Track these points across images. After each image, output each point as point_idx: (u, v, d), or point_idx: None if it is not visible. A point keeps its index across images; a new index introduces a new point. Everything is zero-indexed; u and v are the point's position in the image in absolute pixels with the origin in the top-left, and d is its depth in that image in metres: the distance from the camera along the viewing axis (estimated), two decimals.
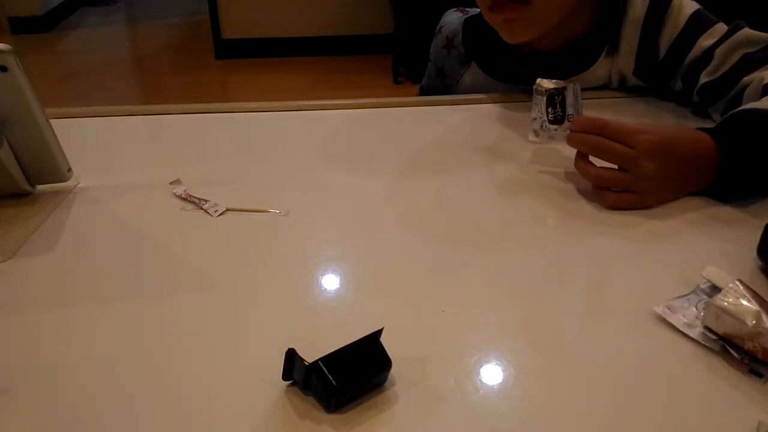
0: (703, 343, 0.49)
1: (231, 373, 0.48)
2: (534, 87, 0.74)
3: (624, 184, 0.66)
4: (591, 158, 0.69)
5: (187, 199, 0.70)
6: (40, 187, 0.73)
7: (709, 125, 0.69)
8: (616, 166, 0.67)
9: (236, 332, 0.52)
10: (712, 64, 0.82)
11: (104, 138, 0.89)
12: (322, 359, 0.43)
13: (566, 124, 0.72)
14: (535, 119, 0.75)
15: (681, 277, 0.55)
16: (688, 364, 0.47)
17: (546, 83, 0.73)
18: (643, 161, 0.65)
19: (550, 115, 0.73)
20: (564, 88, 0.72)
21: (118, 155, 0.84)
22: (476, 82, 0.98)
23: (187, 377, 0.48)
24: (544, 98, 0.73)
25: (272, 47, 3.74)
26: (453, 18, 1.01)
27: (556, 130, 0.73)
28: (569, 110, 0.72)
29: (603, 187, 0.67)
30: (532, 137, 0.76)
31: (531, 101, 0.75)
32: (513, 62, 0.92)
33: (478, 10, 0.96)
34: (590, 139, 0.67)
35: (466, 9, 1.01)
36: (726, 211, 0.66)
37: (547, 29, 0.84)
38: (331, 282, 0.58)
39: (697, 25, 0.83)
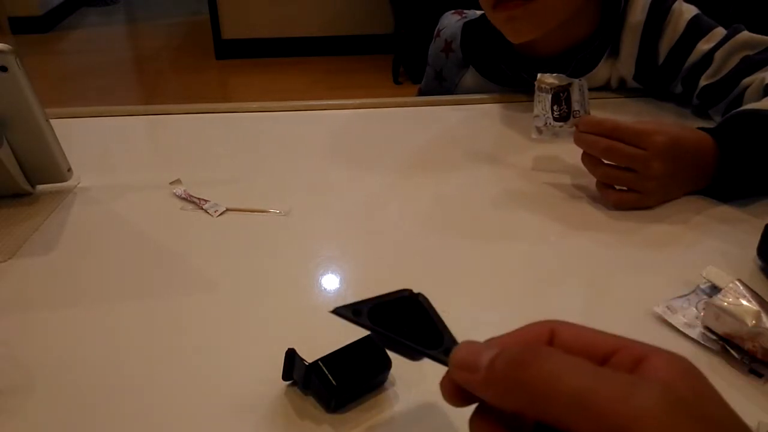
0: (703, 343, 0.49)
1: (231, 373, 0.48)
2: (536, 84, 0.72)
3: (630, 183, 0.66)
4: None
5: (187, 199, 0.70)
6: (40, 187, 0.73)
7: (710, 125, 0.69)
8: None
9: (236, 332, 0.52)
10: (712, 67, 0.82)
11: (104, 138, 0.89)
12: (322, 359, 0.44)
13: (571, 120, 0.70)
14: (537, 116, 0.72)
15: (681, 277, 0.55)
16: None
17: (549, 79, 0.71)
18: (652, 162, 0.64)
19: (555, 113, 0.71)
20: (569, 84, 0.71)
21: (118, 155, 0.84)
22: (475, 86, 0.98)
23: (186, 377, 0.47)
24: (550, 96, 0.71)
25: (272, 47, 3.74)
26: (451, 21, 1.01)
27: (561, 127, 0.71)
28: (575, 106, 0.71)
29: (606, 185, 0.67)
30: (534, 135, 0.74)
31: (531, 101, 0.74)
32: (513, 66, 0.92)
33: (477, 13, 0.96)
34: (600, 142, 0.66)
35: (464, 12, 1.00)
36: (726, 211, 0.66)
37: (551, 28, 0.83)
38: (331, 282, 0.58)
39: (696, 29, 0.83)
